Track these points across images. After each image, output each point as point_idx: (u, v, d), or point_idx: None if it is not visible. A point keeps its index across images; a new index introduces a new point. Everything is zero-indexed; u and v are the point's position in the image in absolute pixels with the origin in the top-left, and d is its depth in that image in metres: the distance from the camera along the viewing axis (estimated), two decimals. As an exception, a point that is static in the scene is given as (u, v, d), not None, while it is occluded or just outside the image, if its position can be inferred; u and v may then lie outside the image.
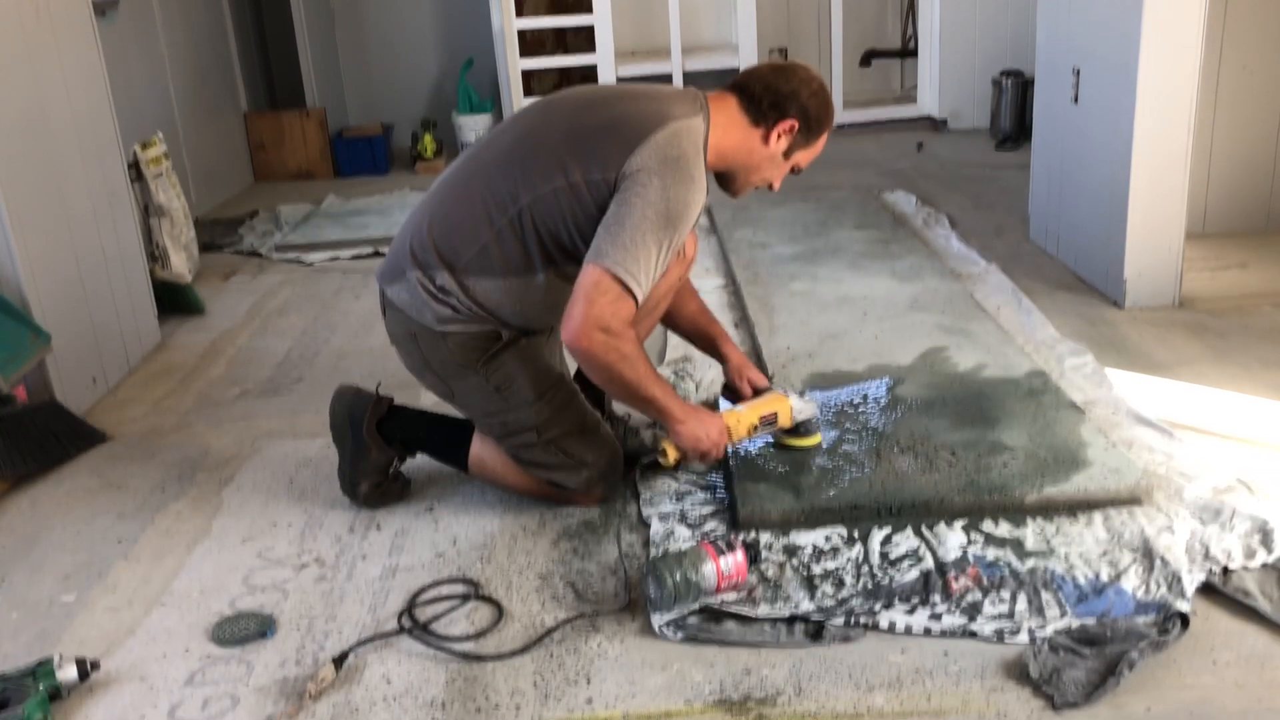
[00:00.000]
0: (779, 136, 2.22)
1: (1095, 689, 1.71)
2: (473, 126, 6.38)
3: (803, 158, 2.29)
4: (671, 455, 2.24)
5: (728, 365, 2.56)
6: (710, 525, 2.26)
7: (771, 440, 2.46)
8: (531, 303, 2.21)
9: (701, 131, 2.15)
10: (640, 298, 2.05)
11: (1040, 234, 4.09)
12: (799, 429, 2.43)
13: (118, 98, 3.51)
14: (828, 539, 2.16)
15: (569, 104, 2.25)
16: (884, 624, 1.91)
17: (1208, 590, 1.96)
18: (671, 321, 2.61)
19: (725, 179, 2.30)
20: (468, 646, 1.94)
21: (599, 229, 2.06)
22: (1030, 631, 1.86)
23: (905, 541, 2.13)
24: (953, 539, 2.12)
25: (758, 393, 2.47)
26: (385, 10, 7.00)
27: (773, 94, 2.20)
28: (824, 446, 2.45)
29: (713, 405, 2.66)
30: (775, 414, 2.37)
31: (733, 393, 2.54)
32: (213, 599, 2.14)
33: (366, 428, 2.38)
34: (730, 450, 2.40)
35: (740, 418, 2.33)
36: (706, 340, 2.59)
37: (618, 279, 2.01)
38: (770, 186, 2.32)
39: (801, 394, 2.49)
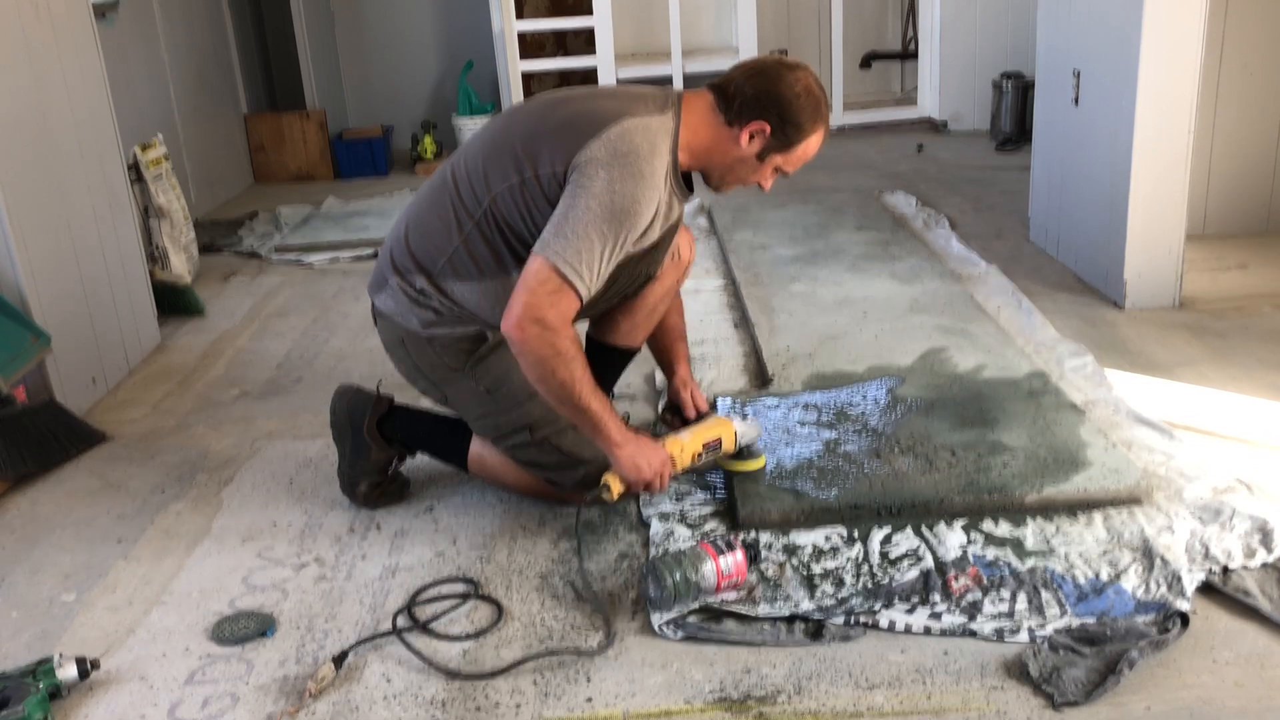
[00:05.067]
0: (750, 138, 2.14)
1: (1095, 688, 1.71)
2: (472, 128, 6.38)
3: (784, 161, 2.19)
4: (615, 489, 2.13)
5: (673, 378, 2.55)
6: (710, 525, 2.26)
7: (716, 465, 2.40)
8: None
9: (665, 130, 2.11)
10: (583, 291, 2.01)
11: (1040, 235, 4.09)
12: (743, 452, 2.35)
13: (118, 99, 3.51)
14: (828, 539, 2.16)
15: (533, 107, 2.24)
16: (884, 623, 1.91)
17: (1208, 590, 1.96)
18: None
19: (705, 177, 2.27)
20: (467, 646, 1.94)
21: (548, 221, 2.05)
22: (1030, 631, 1.86)
23: (905, 541, 2.13)
24: (953, 539, 2.12)
25: (699, 416, 2.44)
26: (385, 12, 7.01)
27: (745, 95, 2.13)
28: (769, 469, 2.38)
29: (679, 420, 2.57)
30: (719, 439, 2.29)
31: (674, 414, 2.53)
32: (213, 598, 2.14)
33: (367, 426, 2.39)
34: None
35: (684, 445, 2.24)
36: (667, 352, 2.58)
37: (557, 270, 1.99)
38: (760, 187, 2.26)
39: (745, 416, 2.42)
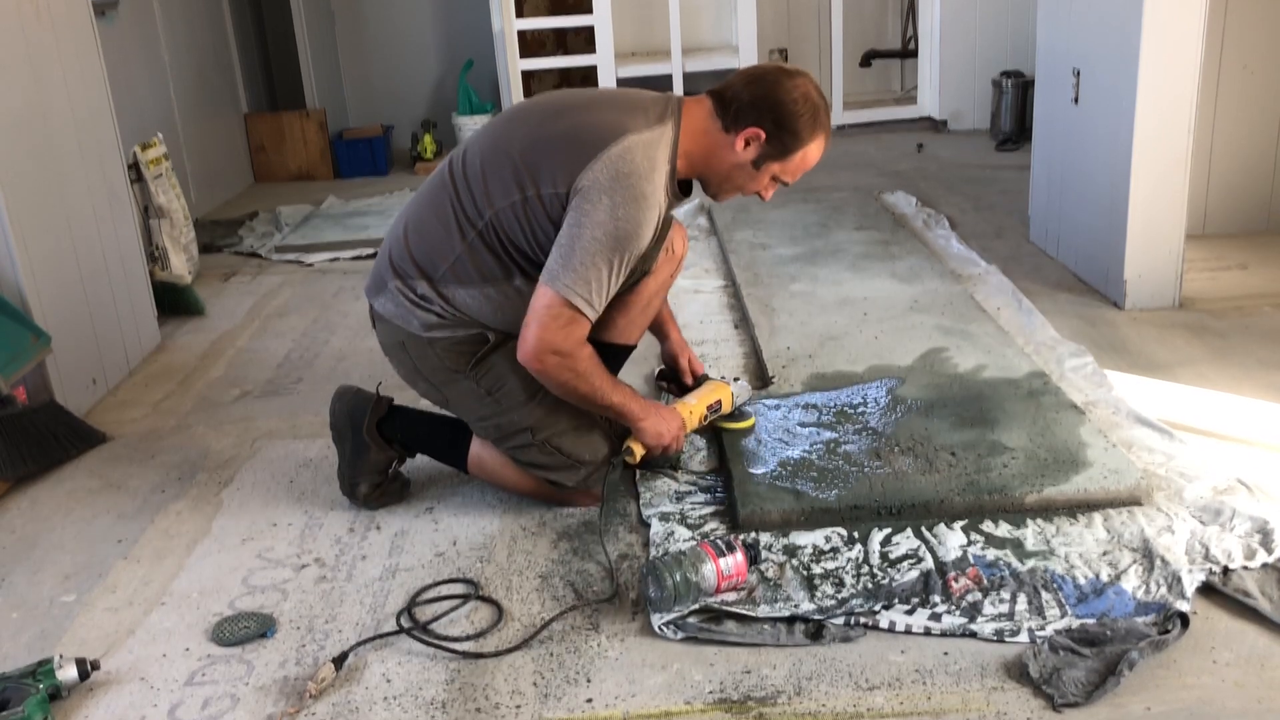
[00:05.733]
0: (746, 144, 2.13)
1: (1095, 689, 1.71)
2: (472, 127, 6.38)
3: (781, 170, 2.17)
4: (638, 452, 2.32)
5: (668, 343, 2.64)
6: (710, 526, 2.26)
7: (713, 426, 2.55)
8: (512, 308, 2.21)
9: (665, 141, 2.11)
10: (592, 316, 2.09)
11: (1040, 235, 4.09)
12: (735, 414, 2.56)
13: (118, 99, 3.51)
14: (828, 539, 2.16)
15: (534, 113, 2.23)
16: (884, 624, 1.91)
17: (1208, 590, 1.96)
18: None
19: (703, 184, 2.26)
20: (468, 646, 1.94)
21: (553, 247, 2.08)
22: (1030, 632, 1.86)
23: (905, 542, 2.13)
24: (953, 539, 2.12)
25: (696, 381, 2.60)
26: (385, 11, 7.00)
27: (742, 100, 2.11)
28: (756, 429, 2.57)
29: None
30: (720, 401, 2.50)
31: (670, 378, 2.67)
32: (212, 599, 2.14)
33: (367, 427, 2.39)
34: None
35: (692, 409, 2.44)
36: (656, 319, 2.62)
37: (569, 303, 2.04)
38: (759, 196, 2.24)
39: (736, 379, 2.63)
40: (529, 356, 2.09)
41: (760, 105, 2.11)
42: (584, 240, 2.03)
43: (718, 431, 2.56)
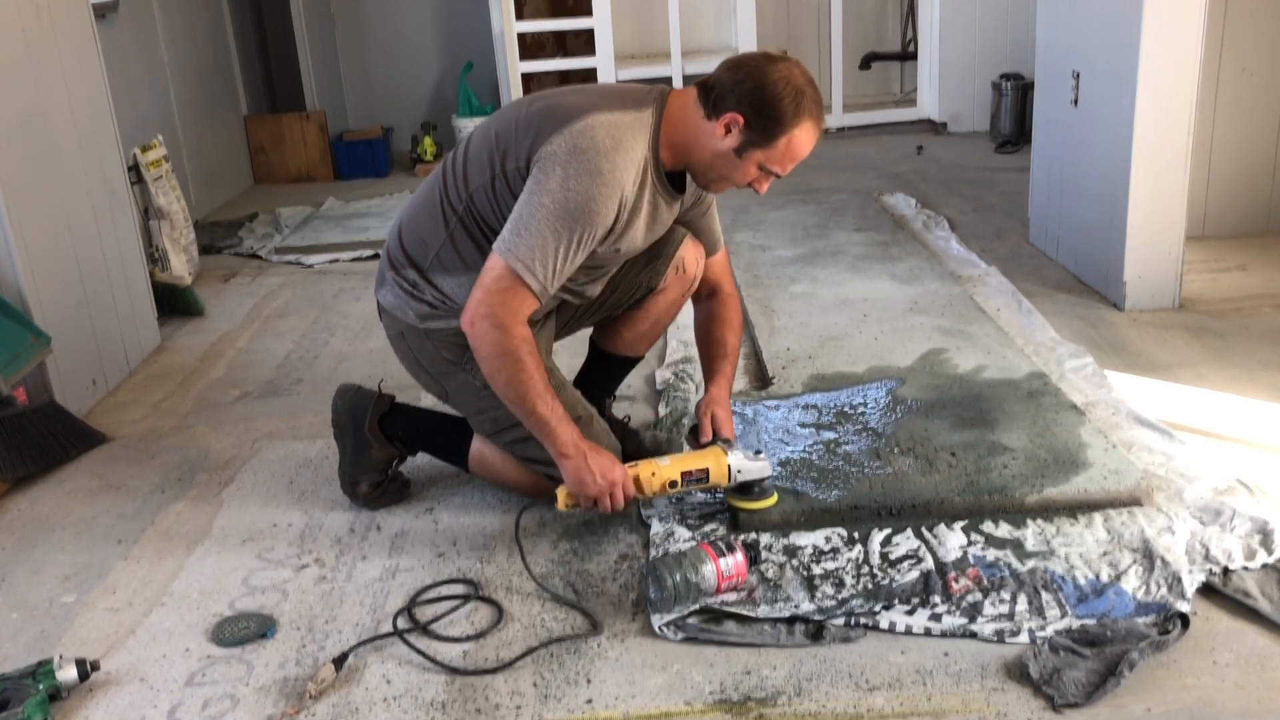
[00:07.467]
0: (726, 131, 2.03)
1: (1095, 689, 1.71)
2: (472, 130, 6.38)
3: (765, 158, 2.05)
4: (561, 499, 2.12)
5: (704, 395, 2.39)
6: (710, 526, 2.26)
7: (723, 498, 2.29)
8: None
9: (640, 127, 2.06)
10: (536, 288, 2.01)
11: (1040, 236, 4.09)
12: (752, 489, 2.20)
13: (118, 100, 3.51)
14: (828, 540, 2.16)
15: (517, 103, 2.23)
16: (884, 624, 1.91)
17: (1208, 591, 1.96)
18: (699, 337, 2.52)
19: (692, 175, 2.19)
20: (468, 647, 1.94)
21: (508, 217, 2.06)
22: (1030, 632, 1.86)
23: (905, 542, 2.13)
24: (953, 540, 2.12)
25: (713, 443, 2.26)
26: (385, 13, 7.01)
27: (723, 87, 2.02)
28: (778, 505, 2.23)
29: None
30: (705, 471, 2.15)
31: (693, 434, 2.37)
32: (212, 600, 2.14)
33: (368, 424, 2.39)
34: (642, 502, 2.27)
35: (657, 470, 2.13)
36: (707, 366, 2.46)
37: (510, 269, 2.00)
38: (754, 190, 2.14)
39: (757, 453, 2.22)
40: (465, 320, 2.04)
41: (739, 90, 2.02)
42: (532, 207, 2.00)
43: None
